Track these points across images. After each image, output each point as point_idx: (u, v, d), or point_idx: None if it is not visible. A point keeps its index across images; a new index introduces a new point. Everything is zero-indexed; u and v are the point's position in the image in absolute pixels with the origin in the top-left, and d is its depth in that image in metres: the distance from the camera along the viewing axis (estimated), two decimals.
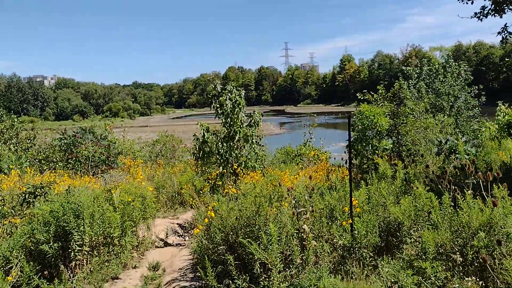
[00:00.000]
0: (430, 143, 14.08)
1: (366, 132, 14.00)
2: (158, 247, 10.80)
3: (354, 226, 6.32)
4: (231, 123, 10.51)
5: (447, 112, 24.66)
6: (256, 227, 6.39)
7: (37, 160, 16.19)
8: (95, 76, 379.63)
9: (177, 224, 13.31)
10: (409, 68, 29.63)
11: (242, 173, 10.31)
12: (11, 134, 18.08)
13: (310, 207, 6.50)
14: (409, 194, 7.68)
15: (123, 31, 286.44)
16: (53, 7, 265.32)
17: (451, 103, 25.60)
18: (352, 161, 12.23)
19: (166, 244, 10.97)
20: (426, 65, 29.39)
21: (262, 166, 11.21)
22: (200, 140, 10.79)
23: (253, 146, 10.68)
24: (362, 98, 19.25)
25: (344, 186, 7.96)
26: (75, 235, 6.91)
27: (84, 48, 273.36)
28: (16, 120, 19.09)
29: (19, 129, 19.65)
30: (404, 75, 28.88)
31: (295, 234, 6.20)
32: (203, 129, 10.78)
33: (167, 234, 11.60)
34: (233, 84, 10.54)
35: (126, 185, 9.66)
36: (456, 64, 27.35)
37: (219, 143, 10.96)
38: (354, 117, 15.54)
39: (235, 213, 6.86)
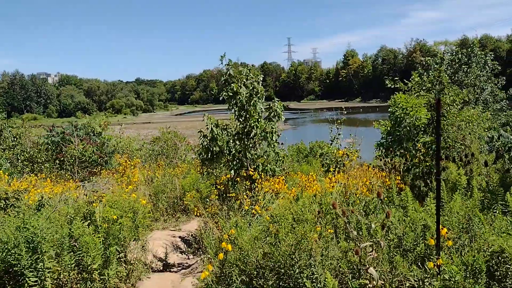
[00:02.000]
0: (479, 139, 11.78)
1: (403, 126, 11.75)
2: (155, 270, 8.64)
3: (445, 268, 4.08)
4: (247, 116, 8.28)
5: (472, 106, 22.39)
6: (297, 270, 4.18)
7: (20, 161, 14.06)
8: (98, 73, 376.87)
9: (179, 237, 11.11)
10: (429, 58, 27.25)
11: (260, 179, 8.09)
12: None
13: (379, 239, 4.25)
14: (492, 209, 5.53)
15: (126, 28, 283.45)
16: (57, 4, 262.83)
17: (476, 95, 23.29)
18: (387, 162, 9.99)
19: (166, 266, 8.84)
20: (448, 54, 27.06)
21: (282, 169, 8.99)
22: (208, 138, 8.55)
23: (273, 145, 8.45)
24: (392, 86, 16.99)
25: (404, 201, 5.75)
26: (29, 278, 4.70)
27: (87, 46, 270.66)
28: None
29: (3, 126, 17.43)
30: (423, 65, 26.72)
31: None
32: (211, 124, 8.54)
33: (166, 251, 9.43)
34: (249, 67, 8.28)
35: (113, 195, 7.46)
36: (482, 53, 24.95)
37: (231, 141, 8.73)
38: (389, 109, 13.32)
39: (261, 245, 4.66)
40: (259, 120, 8.38)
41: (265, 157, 8.67)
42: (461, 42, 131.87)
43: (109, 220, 6.75)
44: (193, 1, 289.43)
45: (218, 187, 9.81)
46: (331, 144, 10.52)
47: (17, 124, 21.14)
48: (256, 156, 8.72)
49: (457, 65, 24.62)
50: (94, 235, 6.29)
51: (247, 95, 8.17)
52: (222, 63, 8.22)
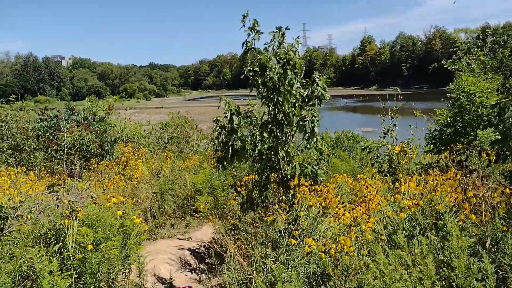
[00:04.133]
0: None
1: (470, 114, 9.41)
2: None
3: None
4: (279, 99, 6.05)
5: None
6: None
7: (5, 149, 12.05)
8: (111, 57, 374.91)
9: (189, 249, 9.03)
10: (469, 40, 24.57)
11: (298, 186, 5.92)
12: None
13: None
14: None
15: (141, 12, 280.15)
16: None
17: None
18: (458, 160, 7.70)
19: None
20: (489, 36, 24.33)
21: (326, 171, 6.77)
22: (226, 129, 6.34)
23: (314, 139, 6.21)
24: (450, 67, 14.59)
25: None
26: None
27: (102, 30, 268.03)
28: None
29: None
30: (460, 49, 24.14)
31: None
32: (230, 110, 6.32)
33: (171, 270, 7.44)
34: (282, 30, 5.98)
35: (97, 208, 5.35)
36: None
37: (257, 134, 6.52)
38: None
39: None
40: (296, 104, 6.14)
41: (303, 155, 6.46)
42: (483, 29, 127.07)
43: (87, 245, 4.65)
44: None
45: (239, 190, 7.67)
46: (384, 137, 8.25)
47: (17, 106, 19.18)
48: (291, 153, 6.49)
49: (501, 48, 21.94)
50: (62, 273, 4.21)
51: (280, 70, 5.92)
52: (244, 25, 5.96)
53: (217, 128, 6.44)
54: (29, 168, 12.30)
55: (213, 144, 15.90)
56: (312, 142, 6.22)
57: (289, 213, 5.72)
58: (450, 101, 14.17)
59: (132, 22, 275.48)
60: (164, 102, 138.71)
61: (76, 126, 13.05)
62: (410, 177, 5.92)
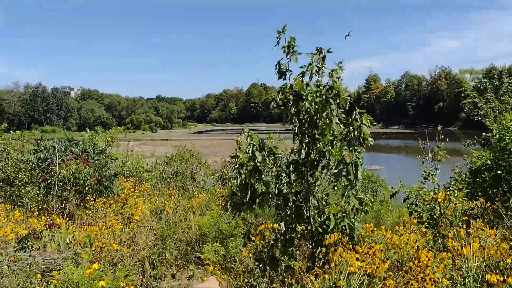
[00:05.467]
0: None
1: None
2: None
3: None
4: (314, 134, 4.89)
5: None
6: None
7: None
8: (120, 89, 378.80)
9: None
10: (485, 80, 23.70)
11: (334, 245, 4.67)
12: None
13: None
14: None
15: (149, 47, 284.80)
16: (83, 21, 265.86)
17: None
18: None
19: None
20: (505, 76, 23.42)
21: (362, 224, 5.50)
22: (247, 168, 5.13)
23: (355, 185, 5.00)
24: (481, 105, 13.55)
25: None
26: None
27: (111, 62, 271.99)
28: None
29: None
30: (478, 89, 23.46)
31: None
32: (253, 145, 5.14)
33: None
34: (323, 53, 4.86)
35: (77, 271, 4.10)
36: None
37: (283, 176, 5.31)
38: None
39: None
40: (335, 143, 4.96)
41: (340, 205, 5.21)
42: (488, 71, 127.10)
43: None
44: (214, 24, 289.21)
45: (254, 240, 6.40)
46: (424, 181, 7.01)
47: (17, 135, 18.14)
48: (324, 201, 5.25)
49: None
50: None
51: (318, 99, 4.78)
52: (278, 43, 4.86)
53: (235, 166, 5.23)
54: (18, 204, 11.08)
55: (222, 181, 14.64)
56: (352, 190, 5.00)
57: (322, 279, 4.43)
58: (481, 141, 12.92)
59: (141, 57, 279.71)
60: (169, 134, 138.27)
61: (73, 159, 11.89)
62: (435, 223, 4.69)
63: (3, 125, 12.88)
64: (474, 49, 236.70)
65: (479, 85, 23.88)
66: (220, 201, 12.12)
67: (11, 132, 15.34)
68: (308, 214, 5.26)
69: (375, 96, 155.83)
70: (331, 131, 4.94)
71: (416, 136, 8.50)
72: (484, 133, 13.59)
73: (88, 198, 10.98)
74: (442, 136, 7.46)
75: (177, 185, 14.87)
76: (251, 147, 5.23)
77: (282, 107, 5.01)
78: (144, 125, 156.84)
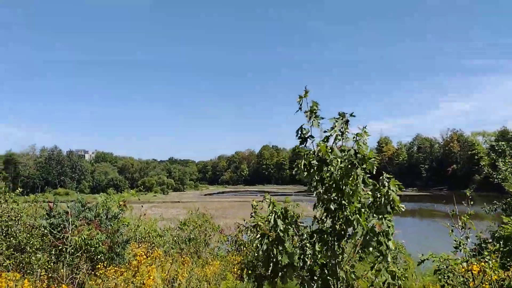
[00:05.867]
0: None
1: None
2: None
3: None
4: (341, 201, 4.64)
5: None
6: None
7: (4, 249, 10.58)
8: (133, 151, 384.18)
9: None
10: (503, 143, 23.36)
11: None
12: None
13: None
14: None
15: (163, 110, 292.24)
16: (98, 87, 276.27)
17: None
18: None
19: None
20: None
21: None
22: (269, 237, 4.84)
23: (386, 258, 4.65)
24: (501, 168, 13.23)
25: None
26: None
27: (126, 126, 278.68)
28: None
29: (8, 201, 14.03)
30: (495, 150, 23.06)
31: None
32: (275, 213, 4.89)
33: None
34: (346, 117, 4.71)
35: None
36: None
37: (307, 246, 5.00)
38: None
39: None
40: (363, 210, 4.68)
41: (368, 278, 4.84)
42: (500, 133, 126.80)
43: None
44: (227, 89, 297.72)
45: None
46: (455, 251, 6.58)
47: (32, 198, 18.00)
48: (354, 274, 4.88)
49: None
50: None
51: (343, 165, 4.58)
52: (300, 107, 4.74)
53: (255, 236, 4.95)
54: (28, 272, 10.70)
55: (237, 247, 14.15)
56: (384, 263, 4.65)
57: None
58: (503, 206, 12.47)
59: (156, 120, 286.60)
60: (181, 196, 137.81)
61: (86, 224, 11.65)
62: None
63: (17, 190, 12.78)
64: (483, 111, 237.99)
65: (496, 147, 23.58)
66: (235, 269, 11.61)
67: (25, 196, 15.28)
68: None
69: (388, 158, 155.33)
70: (358, 198, 4.68)
71: (444, 202, 8.16)
72: (509, 199, 13.20)
73: (99, 266, 10.59)
74: (472, 203, 7.13)
75: (191, 250, 14.41)
76: (273, 215, 4.98)
77: (305, 173, 4.80)
78: (156, 187, 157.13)
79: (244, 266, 11.96)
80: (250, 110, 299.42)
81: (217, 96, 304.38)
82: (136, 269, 11.01)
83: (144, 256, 11.56)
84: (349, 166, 4.52)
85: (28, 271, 10.73)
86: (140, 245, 14.35)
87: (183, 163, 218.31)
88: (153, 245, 14.92)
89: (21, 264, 10.86)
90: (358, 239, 4.86)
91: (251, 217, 14.48)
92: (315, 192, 4.89)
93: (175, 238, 15.77)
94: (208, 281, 10.56)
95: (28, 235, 11.20)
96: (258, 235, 4.93)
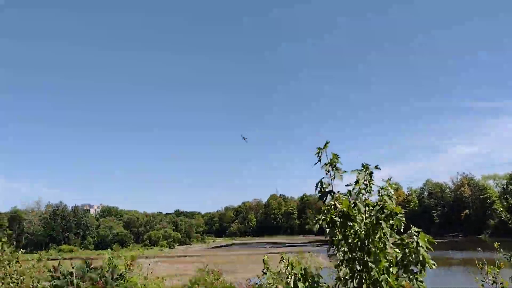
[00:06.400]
0: None
1: None
2: None
3: None
4: (367, 261, 4.32)
5: None
6: None
7: None
8: (139, 204, 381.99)
9: None
10: None
11: None
12: None
13: None
14: None
15: (167, 161, 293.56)
16: (105, 143, 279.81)
17: None
18: None
19: None
20: None
21: None
22: None
23: None
24: None
25: None
26: None
27: (131, 179, 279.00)
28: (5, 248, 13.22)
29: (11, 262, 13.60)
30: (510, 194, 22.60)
31: None
32: (294, 275, 4.56)
33: None
34: (369, 169, 4.47)
35: None
36: None
37: None
38: None
39: None
40: (391, 270, 4.35)
41: None
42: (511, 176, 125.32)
43: None
44: (229, 136, 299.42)
45: None
46: None
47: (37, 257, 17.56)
48: None
49: None
50: None
51: (367, 221, 4.31)
52: (320, 160, 4.51)
53: None
54: None
55: None
56: None
57: None
58: None
59: (161, 172, 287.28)
60: (187, 250, 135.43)
61: (91, 285, 11.20)
62: None
63: (21, 251, 12.45)
64: (491, 154, 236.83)
65: None
66: None
67: (30, 253, 14.87)
68: None
69: (398, 205, 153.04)
70: (385, 256, 4.36)
71: (478, 250, 7.76)
72: None
73: None
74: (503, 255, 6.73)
75: None
76: (293, 277, 4.64)
77: (327, 230, 4.51)
78: (162, 241, 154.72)
79: None
80: (255, 161, 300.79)
81: (220, 148, 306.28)
82: None
83: None
84: (375, 222, 4.23)
85: None
86: None
87: (189, 215, 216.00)
88: None
89: None
90: None
91: (263, 274, 13.89)
92: (338, 253, 4.57)
93: None
94: None
95: None
96: None
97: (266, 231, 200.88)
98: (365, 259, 4.38)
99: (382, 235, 4.31)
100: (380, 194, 4.38)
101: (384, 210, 4.29)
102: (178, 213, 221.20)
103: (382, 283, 4.33)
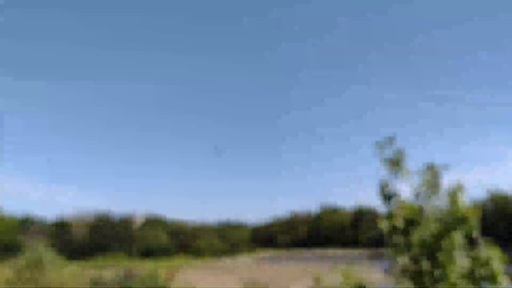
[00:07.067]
0: None
1: None
2: None
3: None
4: (433, 272, 3.94)
5: None
6: None
7: None
8: (186, 213, 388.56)
9: None
10: None
11: None
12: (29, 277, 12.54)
13: None
14: None
15: (215, 172, 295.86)
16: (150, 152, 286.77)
17: None
18: None
19: None
20: None
21: None
22: None
23: None
24: None
25: None
26: None
27: (179, 188, 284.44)
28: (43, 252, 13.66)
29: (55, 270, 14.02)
30: None
31: None
32: None
33: None
34: (436, 168, 4.05)
35: None
36: None
37: None
38: None
39: None
40: (458, 283, 3.94)
41: None
42: None
43: None
44: (275, 144, 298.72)
45: None
46: None
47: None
48: None
49: None
50: None
51: (437, 226, 3.92)
52: (383, 159, 4.17)
53: None
54: None
55: None
56: None
57: None
58: None
59: (208, 183, 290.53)
60: (234, 262, 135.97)
61: None
62: None
63: (66, 259, 12.76)
64: None
65: None
66: None
67: (76, 261, 15.27)
68: None
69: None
70: (456, 265, 3.95)
71: None
72: None
73: None
74: None
75: None
76: None
77: (387, 239, 4.16)
78: (208, 252, 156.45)
79: None
80: (304, 169, 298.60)
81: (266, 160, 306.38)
82: None
83: None
84: (445, 228, 3.84)
85: None
86: None
87: (236, 227, 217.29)
88: None
89: None
90: None
91: None
92: (400, 262, 4.20)
93: None
94: None
95: None
96: None
97: (315, 243, 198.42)
98: (433, 270, 3.98)
99: (453, 244, 3.90)
100: (451, 197, 3.96)
101: (457, 214, 3.87)
102: (224, 224, 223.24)
103: None
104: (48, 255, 14.15)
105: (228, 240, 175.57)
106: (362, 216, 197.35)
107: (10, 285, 12.33)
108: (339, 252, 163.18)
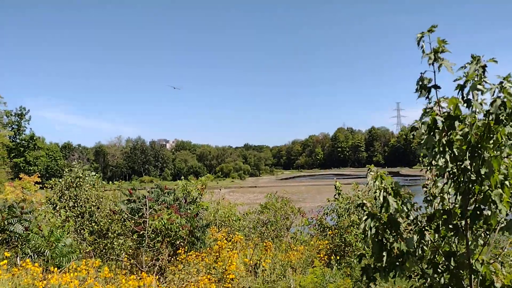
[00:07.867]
0: None
1: None
2: None
3: None
4: (478, 171, 3.46)
5: None
6: None
7: (86, 234, 10.46)
8: (210, 138, 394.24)
9: None
10: None
11: None
12: (70, 195, 12.68)
13: None
14: None
15: (239, 98, 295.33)
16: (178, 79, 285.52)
17: None
18: None
19: None
20: None
21: None
22: (381, 220, 3.79)
23: None
24: None
25: None
26: None
27: (204, 114, 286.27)
28: (82, 172, 13.65)
29: (90, 186, 14.03)
30: None
31: None
32: (384, 189, 3.81)
33: None
34: (481, 62, 3.44)
35: None
36: None
37: (425, 229, 3.87)
38: None
39: None
40: (507, 183, 3.45)
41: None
42: None
43: None
44: (298, 76, 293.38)
45: None
46: None
47: (116, 186, 18.26)
48: (491, 268, 3.68)
49: None
50: None
51: (481, 122, 3.39)
52: (422, 49, 3.55)
53: (363, 218, 3.89)
54: (110, 257, 10.53)
55: (321, 231, 13.12)
56: None
57: None
58: None
59: (230, 110, 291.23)
60: (257, 182, 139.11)
61: (165, 208, 11.24)
62: None
63: (104, 181, 12.74)
64: None
65: None
66: (321, 255, 10.61)
67: (114, 182, 15.46)
68: (470, 285, 3.70)
69: None
70: (501, 166, 3.44)
71: None
72: None
73: (180, 251, 10.11)
74: None
75: (271, 235, 13.63)
76: (382, 191, 3.87)
77: (426, 135, 3.63)
78: (233, 173, 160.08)
79: (331, 251, 10.95)
80: (324, 94, 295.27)
81: (288, 84, 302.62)
82: (217, 254, 10.42)
83: (225, 241, 10.95)
84: (494, 122, 3.28)
85: (111, 257, 10.57)
86: (220, 229, 13.84)
87: (258, 149, 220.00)
88: (233, 229, 14.35)
89: (103, 250, 10.72)
90: (500, 222, 3.64)
91: (334, 200, 13.18)
92: (436, 162, 3.69)
93: (255, 223, 15.10)
94: (293, 267, 9.67)
95: (109, 220, 11.03)
96: (365, 217, 3.86)
97: (332, 164, 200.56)
98: (476, 169, 3.48)
99: (499, 140, 3.36)
100: (500, 89, 3.35)
101: (507, 108, 3.29)
102: (247, 147, 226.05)
103: (496, 199, 3.44)
104: (87, 174, 14.18)
105: (251, 161, 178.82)
106: (375, 138, 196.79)
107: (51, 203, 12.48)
108: (355, 171, 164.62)
